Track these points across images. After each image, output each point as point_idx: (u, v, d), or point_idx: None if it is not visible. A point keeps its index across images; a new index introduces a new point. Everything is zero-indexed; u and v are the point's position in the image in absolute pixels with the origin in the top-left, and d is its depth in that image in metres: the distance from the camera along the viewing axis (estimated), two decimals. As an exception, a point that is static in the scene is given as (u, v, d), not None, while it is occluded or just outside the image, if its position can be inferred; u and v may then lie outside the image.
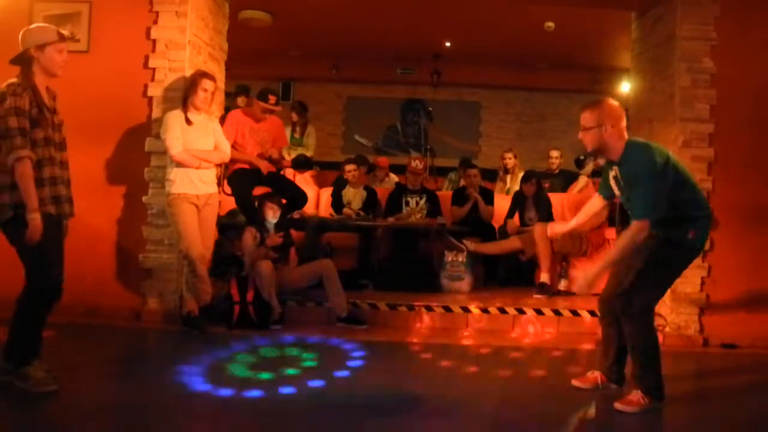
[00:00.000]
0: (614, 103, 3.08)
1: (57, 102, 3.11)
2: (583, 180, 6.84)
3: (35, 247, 2.88)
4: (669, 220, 2.98)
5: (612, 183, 3.16)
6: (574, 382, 3.33)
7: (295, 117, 7.30)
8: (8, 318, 2.98)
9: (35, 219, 2.83)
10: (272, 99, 5.08)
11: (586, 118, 3.05)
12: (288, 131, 7.04)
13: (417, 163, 6.12)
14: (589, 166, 6.51)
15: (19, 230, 2.86)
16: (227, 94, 5.61)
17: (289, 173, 5.74)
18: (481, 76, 9.24)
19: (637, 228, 2.92)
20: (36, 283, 2.94)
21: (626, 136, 3.05)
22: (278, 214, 4.77)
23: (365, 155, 7.76)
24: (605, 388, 3.28)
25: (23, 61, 2.98)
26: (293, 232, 5.14)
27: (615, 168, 3.10)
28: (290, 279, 4.70)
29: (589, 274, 3.12)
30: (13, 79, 2.94)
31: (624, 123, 3.05)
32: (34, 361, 2.98)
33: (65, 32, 3.05)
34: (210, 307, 4.37)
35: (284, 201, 4.96)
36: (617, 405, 2.99)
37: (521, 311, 4.77)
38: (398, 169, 7.58)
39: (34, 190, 2.85)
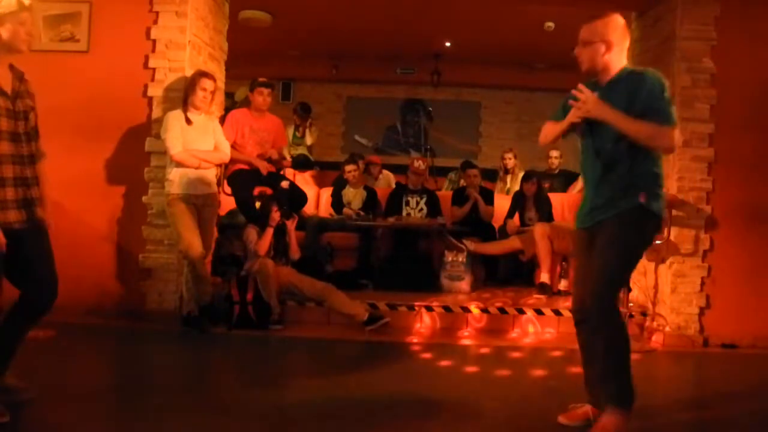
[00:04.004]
0: (621, 20, 2.66)
1: (26, 84, 2.64)
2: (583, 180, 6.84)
3: None
4: (620, 186, 2.60)
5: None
6: (561, 419, 2.78)
7: (297, 120, 7.32)
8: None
9: None
10: (261, 80, 5.05)
11: (589, 30, 2.64)
12: (290, 131, 7.06)
13: (420, 164, 6.13)
14: None
15: None
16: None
17: (289, 173, 5.73)
18: (481, 76, 9.24)
19: (669, 132, 2.54)
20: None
21: (626, 61, 2.68)
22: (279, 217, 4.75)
23: (363, 154, 7.75)
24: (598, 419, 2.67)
25: None
26: (297, 233, 5.12)
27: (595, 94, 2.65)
28: (292, 284, 4.67)
29: (600, 105, 2.59)
30: None
31: (627, 45, 2.67)
32: None
33: (25, 1, 2.57)
34: (210, 307, 4.37)
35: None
36: None
37: (521, 311, 4.77)
38: (398, 169, 7.59)
39: None
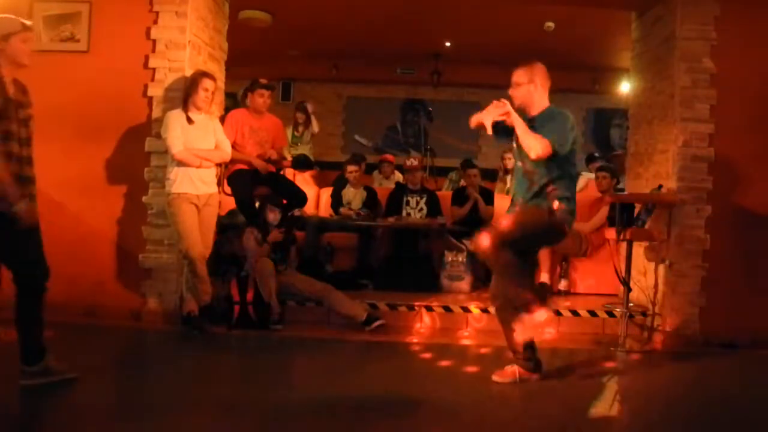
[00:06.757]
0: (543, 66, 3.45)
1: (28, 95, 3.01)
2: (583, 180, 6.85)
3: None
4: (543, 189, 3.28)
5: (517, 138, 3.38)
6: (495, 377, 3.36)
7: (301, 117, 7.35)
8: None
9: (20, 209, 2.81)
10: (263, 82, 5.06)
11: (520, 74, 3.42)
12: (290, 130, 7.07)
13: (412, 161, 6.18)
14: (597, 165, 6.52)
15: None
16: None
17: (289, 173, 5.73)
18: (481, 76, 9.22)
19: (545, 144, 3.20)
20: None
21: (548, 102, 3.39)
22: (279, 217, 4.77)
23: (364, 155, 7.76)
24: (524, 380, 3.34)
25: None
26: (297, 234, 5.13)
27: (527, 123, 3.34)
28: (292, 284, 4.68)
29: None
30: None
31: (548, 86, 3.42)
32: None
33: (27, 22, 2.99)
34: (210, 307, 4.37)
35: (284, 201, 4.96)
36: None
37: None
38: (398, 169, 7.58)
39: (11, 182, 2.80)
